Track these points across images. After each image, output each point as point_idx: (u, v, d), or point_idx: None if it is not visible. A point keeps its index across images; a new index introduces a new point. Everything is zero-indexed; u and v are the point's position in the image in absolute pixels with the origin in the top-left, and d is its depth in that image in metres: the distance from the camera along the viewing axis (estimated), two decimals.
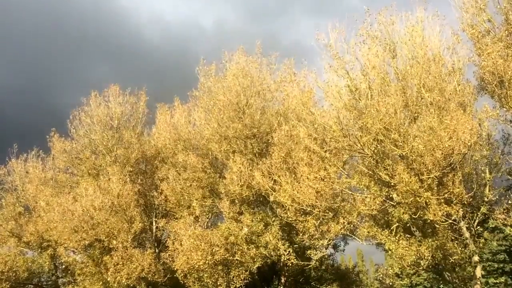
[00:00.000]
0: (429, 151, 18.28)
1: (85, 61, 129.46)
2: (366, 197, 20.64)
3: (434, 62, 20.72)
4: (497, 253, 29.93)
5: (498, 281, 29.24)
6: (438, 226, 19.64)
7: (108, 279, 25.14)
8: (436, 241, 19.67)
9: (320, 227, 21.98)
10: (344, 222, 21.35)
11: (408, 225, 20.89)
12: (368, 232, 20.96)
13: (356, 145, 20.16)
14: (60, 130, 32.01)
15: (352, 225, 22.46)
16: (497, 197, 20.88)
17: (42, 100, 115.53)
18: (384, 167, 19.89)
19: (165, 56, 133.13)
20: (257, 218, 25.60)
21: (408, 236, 20.46)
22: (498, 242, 29.89)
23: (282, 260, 25.35)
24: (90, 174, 30.42)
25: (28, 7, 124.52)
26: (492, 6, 20.89)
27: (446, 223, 19.31)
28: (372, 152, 19.91)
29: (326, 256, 30.12)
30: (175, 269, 24.52)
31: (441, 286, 30.25)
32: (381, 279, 37.98)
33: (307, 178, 21.47)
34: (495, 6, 20.81)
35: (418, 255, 19.54)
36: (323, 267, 31.52)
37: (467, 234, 20.36)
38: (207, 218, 27.50)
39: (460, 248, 20.54)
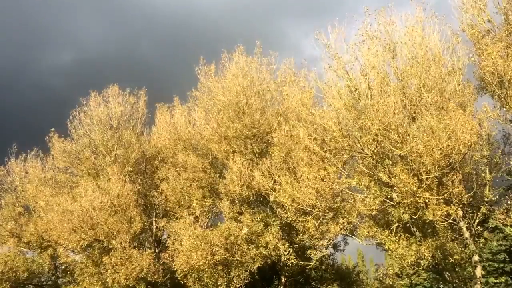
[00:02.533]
0: (428, 151, 18.27)
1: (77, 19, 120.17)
2: (366, 197, 20.64)
3: (434, 62, 20.70)
4: (497, 253, 29.90)
5: (498, 281, 29.21)
6: (438, 226, 19.63)
7: (107, 280, 25.12)
8: (436, 241, 19.66)
9: (320, 227, 21.99)
10: (344, 223, 21.37)
11: (408, 225, 20.88)
12: (368, 232, 20.96)
13: (356, 145, 20.15)
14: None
15: (352, 225, 22.48)
16: (497, 197, 20.87)
17: (32, 61, 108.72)
18: (384, 167, 19.89)
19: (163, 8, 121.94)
20: (257, 218, 25.59)
21: (408, 236, 20.45)
22: (498, 242, 29.87)
23: (282, 260, 25.36)
24: (90, 174, 30.39)
25: None
26: (491, 6, 20.91)
27: (446, 223, 19.30)
28: (372, 152, 19.89)
29: (326, 256, 30.10)
30: (175, 269, 24.51)
31: (441, 286, 30.24)
32: (381, 279, 37.97)
33: (307, 178, 21.47)
34: (495, 6, 20.83)
35: (418, 255, 19.53)
36: (323, 267, 31.52)
37: (467, 234, 20.35)
38: (207, 218, 27.50)
39: (460, 248, 20.53)
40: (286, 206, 22.52)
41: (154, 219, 30.05)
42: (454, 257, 20.35)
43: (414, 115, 20.26)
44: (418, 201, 18.87)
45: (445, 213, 18.63)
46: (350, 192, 21.89)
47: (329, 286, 30.30)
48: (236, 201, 26.16)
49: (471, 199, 20.06)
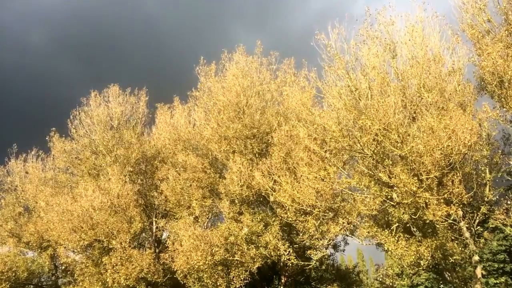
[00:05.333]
0: (428, 151, 18.27)
1: None
2: (366, 197, 20.64)
3: (434, 62, 20.73)
4: (497, 253, 29.82)
5: (498, 281, 29.16)
6: (438, 226, 19.64)
7: (107, 280, 25.10)
8: (436, 241, 19.66)
9: (320, 227, 21.99)
10: (344, 223, 21.37)
11: (408, 225, 20.89)
12: (368, 232, 20.96)
13: (356, 145, 20.16)
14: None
15: (352, 225, 22.48)
16: (497, 197, 20.88)
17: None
18: (384, 167, 19.89)
19: None
20: (257, 218, 25.57)
21: (408, 236, 20.45)
22: (498, 242, 29.81)
23: (282, 260, 25.32)
24: (90, 174, 30.41)
25: None
26: (492, 6, 20.96)
27: (446, 223, 19.31)
28: (372, 152, 19.90)
29: (326, 256, 30.09)
30: (175, 269, 24.50)
31: (441, 286, 30.22)
32: (381, 279, 37.96)
33: (307, 178, 21.48)
34: (495, 6, 20.87)
35: (418, 255, 19.53)
36: (323, 267, 31.49)
37: (467, 234, 20.36)
38: (207, 218, 27.47)
39: (460, 248, 20.55)
40: (286, 206, 22.52)
41: (154, 219, 30.03)
42: (454, 257, 20.37)
43: (414, 115, 20.28)
44: (418, 201, 18.87)
45: (445, 213, 18.63)
46: (350, 192, 21.90)
47: (329, 286, 30.25)
48: (236, 201, 26.14)
49: (471, 199, 20.08)
